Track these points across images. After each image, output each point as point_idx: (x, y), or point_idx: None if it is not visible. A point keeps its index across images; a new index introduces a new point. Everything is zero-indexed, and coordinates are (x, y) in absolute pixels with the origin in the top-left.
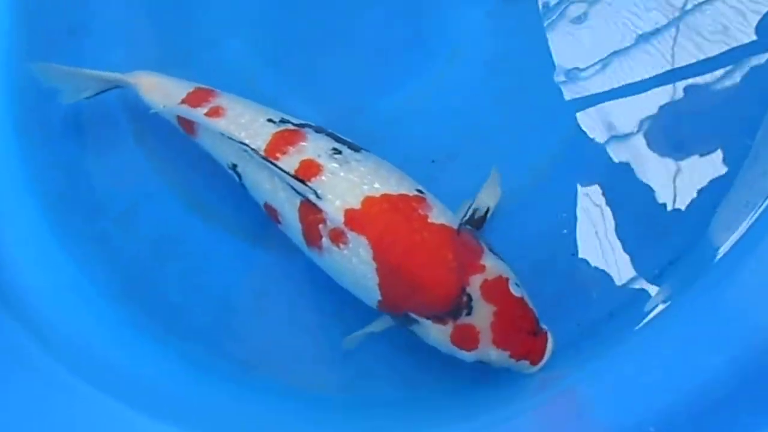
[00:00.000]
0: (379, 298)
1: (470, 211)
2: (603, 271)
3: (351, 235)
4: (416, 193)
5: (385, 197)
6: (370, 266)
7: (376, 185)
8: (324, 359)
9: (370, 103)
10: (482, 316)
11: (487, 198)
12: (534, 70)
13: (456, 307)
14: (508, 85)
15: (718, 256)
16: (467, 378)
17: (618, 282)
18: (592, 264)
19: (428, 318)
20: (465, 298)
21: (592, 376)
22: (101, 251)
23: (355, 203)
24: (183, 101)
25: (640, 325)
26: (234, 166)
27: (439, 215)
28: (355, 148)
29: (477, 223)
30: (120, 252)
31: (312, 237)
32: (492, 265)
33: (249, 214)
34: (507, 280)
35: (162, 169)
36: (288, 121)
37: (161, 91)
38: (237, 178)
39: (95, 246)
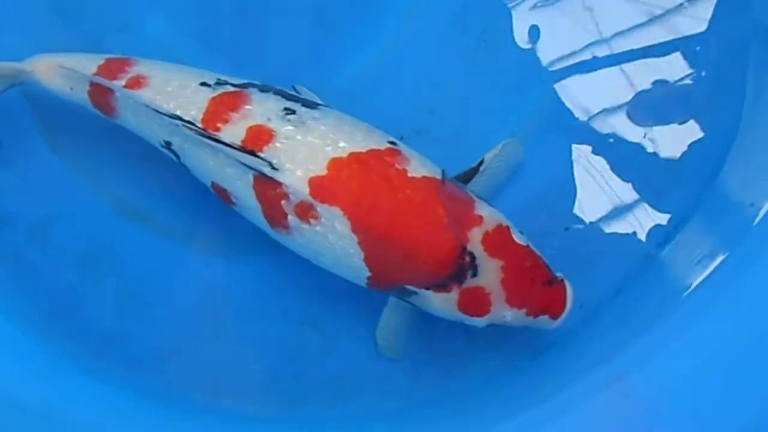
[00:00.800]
0: (368, 274)
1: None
2: (604, 243)
3: (321, 207)
4: (389, 145)
5: (354, 156)
6: (350, 240)
7: (341, 144)
8: (301, 377)
9: (318, 79)
10: (490, 274)
11: (492, 156)
12: (506, 26)
13: (459, 269)
14: (477, 46)
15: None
16: (499, 369)
17: (621, 253)
18: (590, 237)
19: (428, 288)
20: (467, 258)
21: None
22: (13, 274)
23: (320, 169)
24: (94, 75)
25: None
26: (168, 144)
27: (419, 167)
28: (311, 105)
29: (465, 177)
30: (37, 273)
31: (275, 217)
32: (489, 214)
33: (194, 213)
34: (508, 228)
35: (82, 171)
36: (226, 83)
37: (65, 73)
38: (175, 158)
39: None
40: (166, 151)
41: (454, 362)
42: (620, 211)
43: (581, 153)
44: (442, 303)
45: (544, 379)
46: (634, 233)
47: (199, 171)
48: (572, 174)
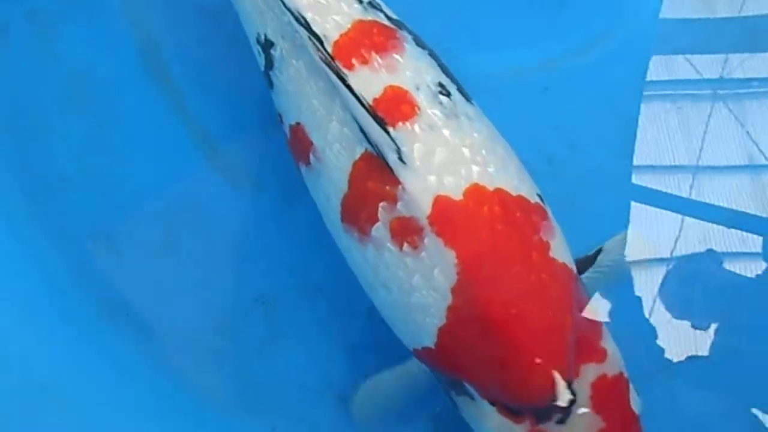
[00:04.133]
0: (430, 345)
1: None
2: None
3: (431, 240)
4: (537, 200)
5: (501, 195)
6: (441, 297)
7: (491, 169)
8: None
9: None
10: (580, 430)
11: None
12: None
13: (549, 406)
14: None
15: None
16: None
17: None
18: None
19: (495, 403)
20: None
21: None
22: None
23: (456, 191)
24: None
25: None
26: (267, 46)
27: (560, 247)
28: (465, 94)
29: (581, 264)
30: None
31: (358, 215)
32: (613, 353)
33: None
34: (628, 383)
35: None
36: (380, 8)
37: None
38: (263, 66)
39: None
40: (258, 52)
41: None
42: None
43: None
44: (500, 428)
45: None
46: None
47: (291, 101)
48: None
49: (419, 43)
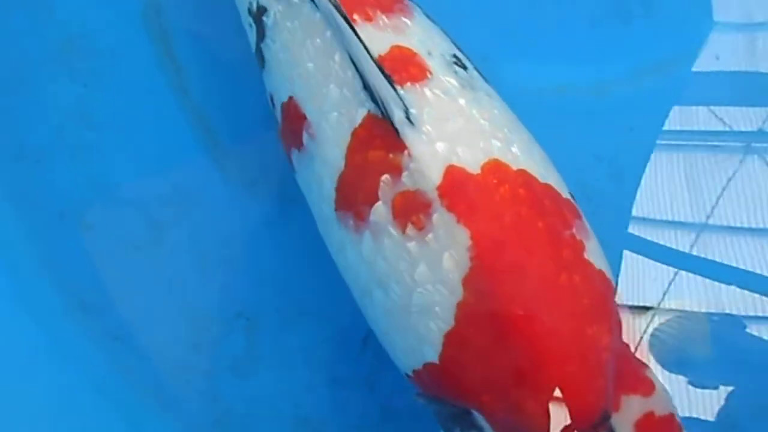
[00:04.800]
0: (434, 358)
1: None
2: None
3: (442, 215)
4: (569, 197)
5: (525, 177)
6: (450, 292)
7: (514, 149)
8: None
9: None
10: None
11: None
12: None
13: None
14: None
15: None
16: None
17: None
18: None
19: None
20: None
21: None
22: None
23: (473, 163)
24: None
25: None
26: (259, 12)
27: (596, 253)
28: (484, 76)
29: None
30: None
31: (355, 196)
32: (662, 390)
33: None
34: (681, 428)
35: None
36: None
37: None
38: (254, 40)
39: None
40: (249, 25)
41: None
42: None
43: None
44: None
45: None
46: None
47: (283, 72)
48: None
49: (430, 18)
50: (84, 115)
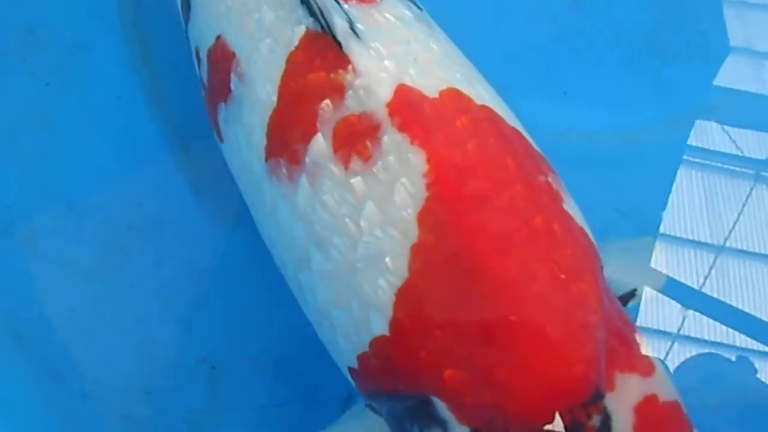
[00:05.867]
0: (384, 329)
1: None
2: None
3: (392, 138)
4: (540, 152)
5: (490, 113)
6: (402, 234)
7: (479, 87)
8: None
9: None
10: None
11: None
12: None
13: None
14: None
15: None
16: None
17: None
18: None
19: (479, 429)
20: (592, 419)
21: None
22: None
23: (427, 86)
24: None
25: None
26: None
27: (575, 210)
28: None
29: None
30: None
31: (289, 135)
32: (662, 374)
33: None
34: (690, 422)
35: None
36: None
37: None
38: None
39: None
40: None
41: None
42: None
43: None
44: None
45: None
46: None
47: (209, 11)
48: None
49: None
50: (42, 116)
